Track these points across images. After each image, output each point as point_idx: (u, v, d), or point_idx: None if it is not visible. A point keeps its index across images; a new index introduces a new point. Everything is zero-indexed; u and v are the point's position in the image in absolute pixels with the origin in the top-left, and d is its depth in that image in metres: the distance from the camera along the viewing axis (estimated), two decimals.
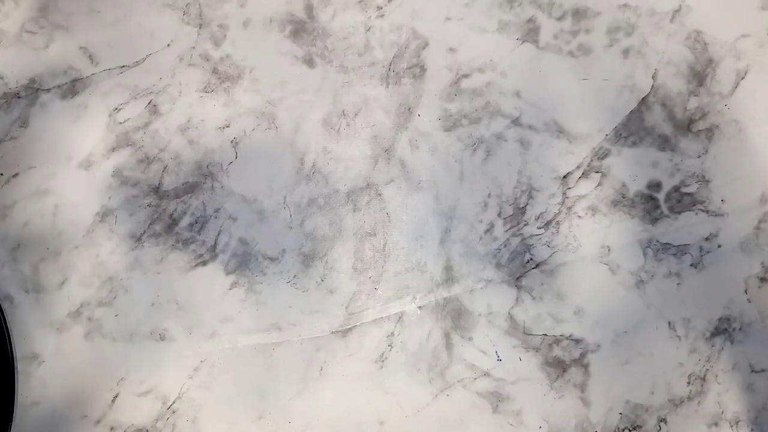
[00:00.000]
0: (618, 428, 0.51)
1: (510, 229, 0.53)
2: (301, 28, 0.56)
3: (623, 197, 0.53)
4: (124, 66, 0.56)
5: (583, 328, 0.52)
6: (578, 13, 0.55)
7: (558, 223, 0.53)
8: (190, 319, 0.53)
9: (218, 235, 0.54)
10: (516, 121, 0.54)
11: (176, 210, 0.54)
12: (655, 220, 0.53)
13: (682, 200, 0.53)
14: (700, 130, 0.53)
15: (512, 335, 0.52)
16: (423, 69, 0.55)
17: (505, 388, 0.52)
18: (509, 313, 0.52)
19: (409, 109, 0.55)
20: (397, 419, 0.52)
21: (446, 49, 0.55)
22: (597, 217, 0.53)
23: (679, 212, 0.53)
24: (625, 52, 0.54)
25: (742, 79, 0.54)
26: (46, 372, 0.52)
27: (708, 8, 0.55)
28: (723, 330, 0.52)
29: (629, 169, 0.53)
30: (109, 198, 0.54)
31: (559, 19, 0.55)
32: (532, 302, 0.52)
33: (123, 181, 0.54)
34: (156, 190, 0.54)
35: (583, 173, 0.54)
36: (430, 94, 0.55)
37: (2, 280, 0.53)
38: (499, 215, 0.53)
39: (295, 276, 0.53)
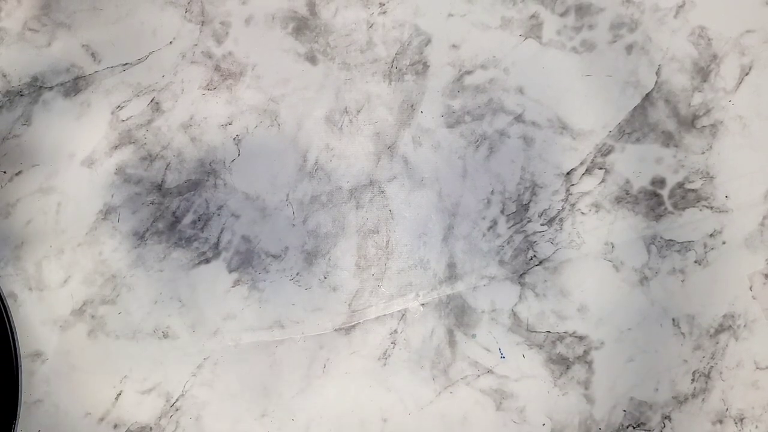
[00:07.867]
0: (622, 425, 0.51)
1: (513, 226, 0.53)
2: (303, 25, 0.56)
3: (627, 194, 0.53)
4: (126, 64, 0.56)
5: (586, 325, 0.52)
6: (581, 9, 0.55)
7: (561, 219, 0.53)
8: (193, 317, 0.53)
9: (221, 232, 0.54)
10: (519, 118, 0.54)
11: (179, 207, 0.54)
12: (659, 217, 0.53)
13: (686, 196, 0.53)
14: (704, 126, 0.53)
15: (516, 332, 0.52)
16: (426, 66, 0.55)
17: (509, 385, 0.52)
18: (512, 310, 0.52)
19: (412, 105, 0.55)
20: (400, 417, 0.52)
21: (449, 46, 0.55)
22: (600, 214, 0.53)
23: (683, 209, 0.53)
24: (629, 48, 0.54)
25: (747, 74, 0.54)
26: (49, 370, 0.52)
27: (712, 4, 0.54)
28: (727, 327, 0.52)
29: (633, 165, 0.53)
30: (112, 196, 0.54)
31: (562, 15, 0.55)
32: (536, 299, 0.52)
33: (126, 179, 0.54)
34: (159, 187, 0.54)
35: (586, 170, 0.53)
36: (433, 90, 0.55)
37: (6, 278, 0.53)
38: (502, 212, 0.53)
39: (298, 273, 0.53)
